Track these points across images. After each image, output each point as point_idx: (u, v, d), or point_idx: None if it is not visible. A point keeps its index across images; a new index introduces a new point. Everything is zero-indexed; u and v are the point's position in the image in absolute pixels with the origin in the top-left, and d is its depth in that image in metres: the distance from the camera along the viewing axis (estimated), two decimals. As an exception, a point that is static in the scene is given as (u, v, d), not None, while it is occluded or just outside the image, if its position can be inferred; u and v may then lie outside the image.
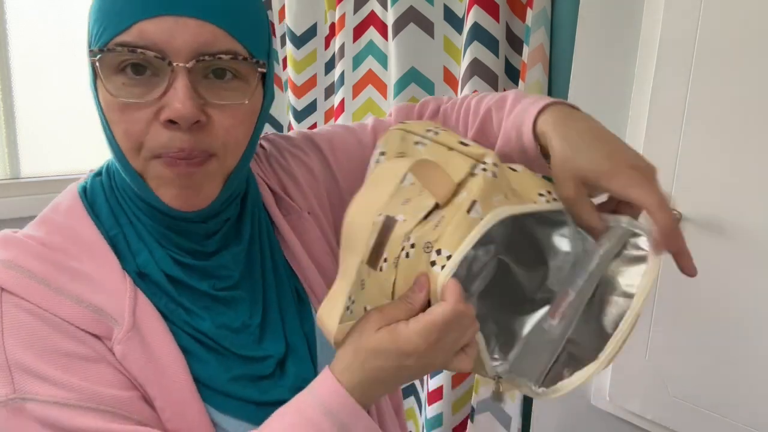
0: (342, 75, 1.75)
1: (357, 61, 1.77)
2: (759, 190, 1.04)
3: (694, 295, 1.12)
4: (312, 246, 0.66)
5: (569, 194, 0.54)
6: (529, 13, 1.34)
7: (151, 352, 0.52)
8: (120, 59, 0.49)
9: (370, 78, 1.76)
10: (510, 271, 0.53)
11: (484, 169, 0.52)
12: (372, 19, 1.72)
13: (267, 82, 0.56)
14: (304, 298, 0.65)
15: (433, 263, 0.48)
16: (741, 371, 1.09)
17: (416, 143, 0.59)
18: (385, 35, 1.69)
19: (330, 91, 1.83)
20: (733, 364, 1.10)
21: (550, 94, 1.38)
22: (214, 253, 0.59)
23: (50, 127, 1.88)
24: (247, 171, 0.60)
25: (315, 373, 0.58)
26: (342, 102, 1.79)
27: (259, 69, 0.53)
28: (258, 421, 0.52)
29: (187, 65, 0.48)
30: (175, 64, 0.48)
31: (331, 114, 1.84)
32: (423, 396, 1.64)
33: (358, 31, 1.75)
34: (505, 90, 1.47)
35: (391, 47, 1.63)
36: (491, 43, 1.40)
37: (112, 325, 0.51)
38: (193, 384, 0.53)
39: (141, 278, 0.55)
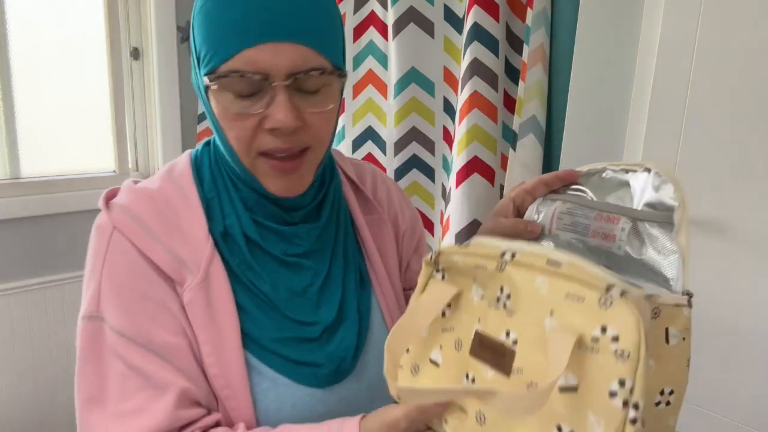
0: (342, 75, 1.76)
1: (357, 61, 1.77)
2: (759, 190, 1.04)
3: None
4: (384, 242, 0.75)
5: None
6: (529, 13, 1.34)
7: (212, 303, 0.61)
8: (233, 84, 0.57)
9: (370, 78, 1.76)
10: None
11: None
12: (372, 19, 1.72)
13: (344, 77, 0.64)
14: (366, 279, 0.73)
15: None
16: (740, 371, 1.09)
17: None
18: (385, 35, 1.69)
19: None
20: (732, 364, 1.10)
21: (550, 94, 1.38)
22: (294, 224, 0.68)
23: (50, 127, 1.88)
24: (329, 157, 0.69)
25: (357, 345, 0.67)
26: (342, 102, 1.79)
27: (341, 77, 0.61)
28: (292, 376, 0.62)
29: (285, 83, 0.56)
30: (276, 83, 0.56)
31: (331, 114, 1.84)
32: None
33: (358, 31, 1.75)
34: (505, 90, 1.47)
35: (391, 47, 1.63)
36: (491, 43, 1.40)
37: (187, 274, 0.61)
38: (239, 338, 0.61)
39: (224, 238, 0.64)
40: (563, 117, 1.35)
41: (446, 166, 1.63)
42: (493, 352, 0.48)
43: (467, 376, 0.51)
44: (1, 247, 1.77)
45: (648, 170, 0.56)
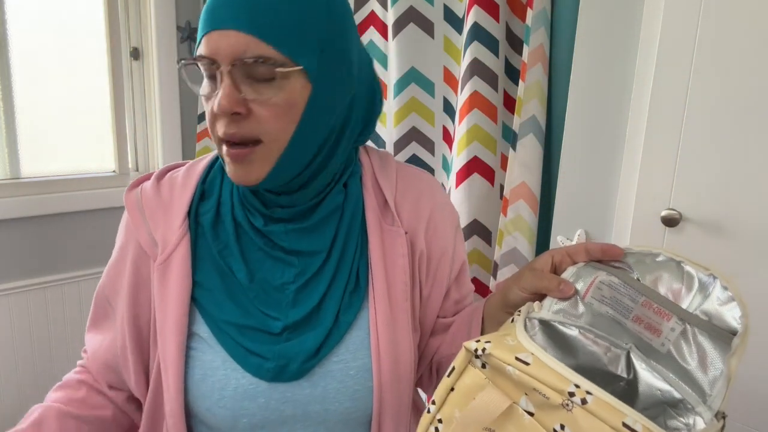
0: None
1: (357, 61, 1.77)
2: (758, 189, 1.04)
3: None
4: (394, 254, 0.72)
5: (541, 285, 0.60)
6: (529, 13, 1.34)
7: (167, 283, 0.68)
8: (198, 68, 0.63)
9: (370, 78, 1.76)
10: None
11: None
12: (372, 19, 1.72)
13: (320, 76, 0.62)
14: (362, 286, 0.70)
15: None
16: (740, 371, 1.09)
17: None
18: (385, 35, 1.69)
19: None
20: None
21: (550, 93, 1.38)
22: (278, 221, 0.70)
23: (50, 127, 1.89)
24: (308, 157, 0.67)
25: (318, 353, 0.66)
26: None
27: (290, 68, 0.60)
28: (240, 362, 0.66)
29: (228, 68, 0.59)
30: (222, 67, 0.59)
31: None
32: (423, 396, 1.63)
33: (358, 31, 1.75)
34: (505, 90, 1.47)
35: (391, 47, 1.63)
36: (491, 43, 1.40)
37: (158, 255, 0.69)
38: (182, 323, 0.66)
39: (214, 222, 0.70)
40: (563, 117, 1.35)
41: (446, 166, 1.63)
42: None
43: None
44: (1, 247, 1.77)
45: (713, 277, 0.54)
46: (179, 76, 2.05)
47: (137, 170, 2.11)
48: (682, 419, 0.51)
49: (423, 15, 1.57)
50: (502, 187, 1.48)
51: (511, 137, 1.46)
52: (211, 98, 0.63)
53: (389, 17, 1.61)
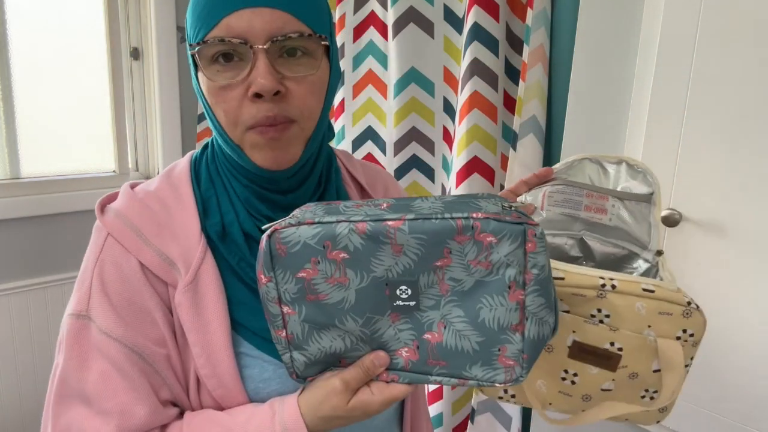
0: (342, 75, 1.75)
1: (357, 61, 1.77)
2: (758, 189, 1.04)
3: (692, 294, 1.13)
4: None
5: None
6: (529, 13, 1.34)
7: (200, 303, 0.63)
8: (213, 50, 0.59)
9: (370, 78, 1.76)
10: None
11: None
12: (372, 19, 1.72)
13: (332, 56, 0.65)
14: None
15: None
16: (740, 371, 1.09)
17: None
18: (385, 35, 1.69)
19: (330, 91, 1.83)
20: (732, 364, 1.10)
21: (550, 94, 1.38)
22: None
23: (50, 127, 1.88)
24: (320, 140, 0.68)
25: None
26: (342, 102, 1.79)
27: (323, 42, 0.62)
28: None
29: (264, 46, 0.58)
30: (256, 46, 0.58)
31: (331, 114, 1.84)
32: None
33: (358, 31, 1.75)
34: (505, 90, 1.47)
35: (391, 47, 1.63)
36: (491, 43, 1.40)
37: (178, 276, 0.63)
38: (227, 337, 0.62)
39: (222, 235, 0.66)
40: (563, 117, 1.35)
41: (446, 166, 1.63)
42: (597, 356, 0.63)
43: (566, 372, 0.66)
44: (2, 247, 1.77)
45: (621, 161, 0.74)
46: (179, 76, 2.05)
47: (137, 170, 2.11)
48: (633, 266, 0.74)
49: (423, 15, 1.57)
50: (502, 187, 1.48)
51: (511, 137, 1.46)
52: (231, 85, 0.59)
53: (389, 17, 1.61)
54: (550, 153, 1.42)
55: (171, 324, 0.63)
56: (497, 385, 0.56)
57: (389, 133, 1.69)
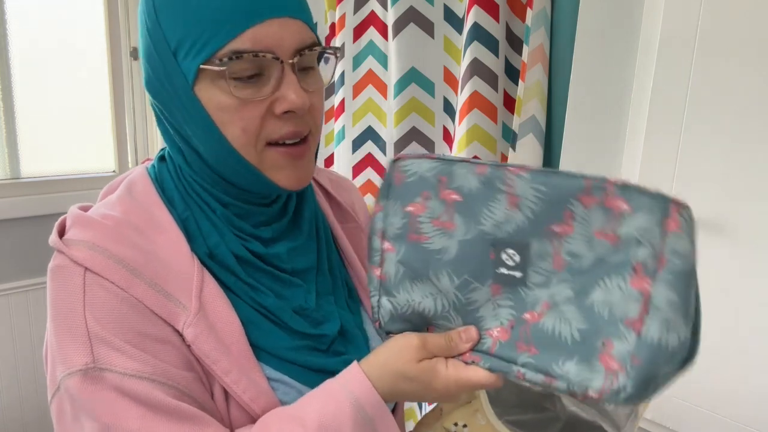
0: (342, 75, 1.75)
1: (357, 61, 1.77)
2: (759, 190, 1.04)
3: (694, 295, 1.13)
4: (362, 249, 0.72)
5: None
6: (529, 13, 1.34)
7: (217, 329, 0.55)
8: (243, 67, 0.52)
9: (370, 78, 1.76)
10: None
11: None
12: (372, 19, 1.72)
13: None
14: (353, 291, 0.70)
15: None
16: (740, 371, 1.09)
17: None
18: (385, 35, 1.69)
19: (330, 91, 1.83)
20: (732, 364, 1.10)
21: (550, 94, 1.38)
22: (271, 242, 0.63)
23: (50, 127, 1.88)
24: None
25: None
26: (342, 102, 1.79)
27: (327, 54, 0.58)
28: (309, 383, 0.58)
29: (293, 60, 0.53)
30: (287, 61, 0.53)
31: (331, 114, 1.84)
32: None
33: (358, 31, 1.75)
34: (505, 90, 1.47)
35: (391, 47, 1.63)
36: (491, 43, 1.40)
37: (180, 310, 0.54)
38: (251, 352, 0.56)
39: (211, 258, 0.59)
40: (563, 117, 1.35)
41: (446, 166, 1.63)
42: None
43: None
44: (2, 247, 1.77)
45: None
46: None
47: (137, 170, 2.11)
48: None
49: (423, 15, 1.57)
50: (502, 187, 1.48)
51: (511, 137, 1.46)
52: (254, 100, 0.53)
53: (389, 17, 1.61)
54: (550, 153, 1.42)
55: (190, 354, 0.55)
56: (591, 393, 0.43)
57: (389, 133, 1.69)
